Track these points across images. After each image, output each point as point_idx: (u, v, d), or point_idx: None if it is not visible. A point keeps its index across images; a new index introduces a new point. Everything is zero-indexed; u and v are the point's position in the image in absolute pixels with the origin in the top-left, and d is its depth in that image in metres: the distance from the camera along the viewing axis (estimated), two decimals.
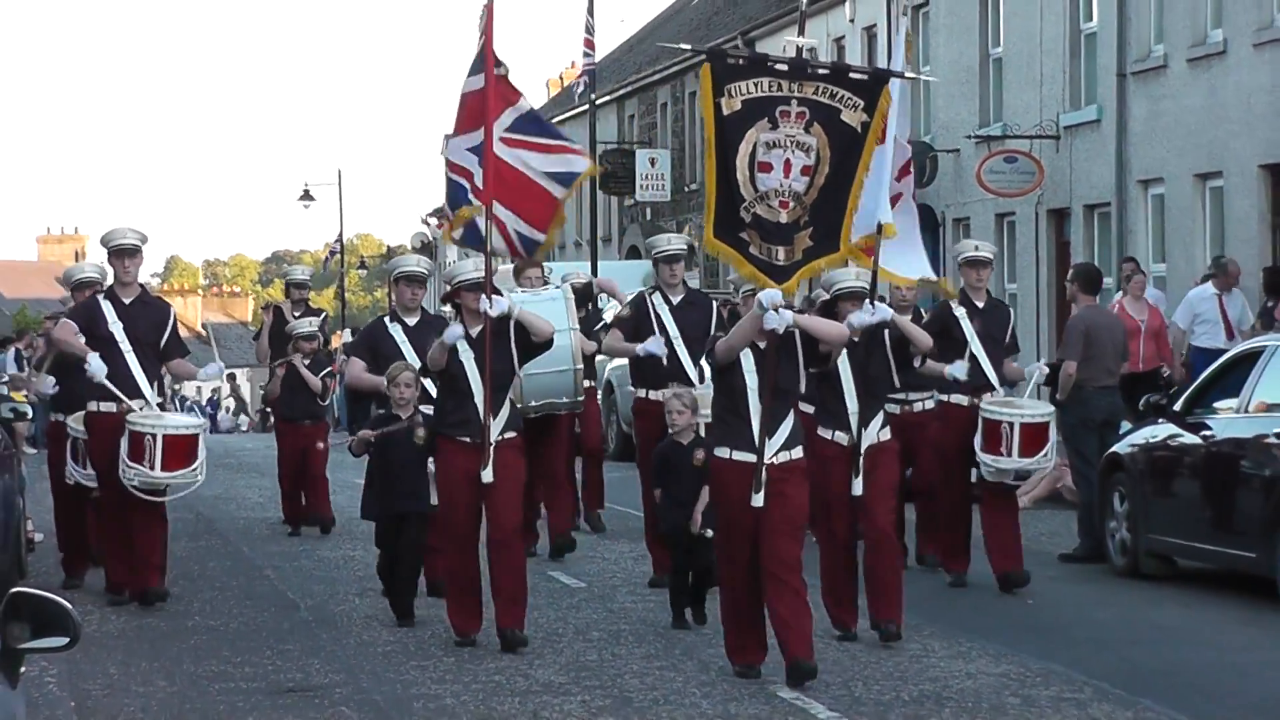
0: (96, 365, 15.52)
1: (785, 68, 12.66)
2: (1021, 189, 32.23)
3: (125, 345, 15.74)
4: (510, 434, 14.28)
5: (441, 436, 14.36)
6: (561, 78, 71.43)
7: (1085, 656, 14.16)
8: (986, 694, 12.68)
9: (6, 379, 23.74)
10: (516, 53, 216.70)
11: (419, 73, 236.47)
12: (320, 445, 21.68)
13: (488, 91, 14.11)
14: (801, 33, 13.11)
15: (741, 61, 12.89)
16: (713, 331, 16.63)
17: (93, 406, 16.08)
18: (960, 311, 17.14)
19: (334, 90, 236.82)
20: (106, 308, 15.94)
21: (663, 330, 17.10)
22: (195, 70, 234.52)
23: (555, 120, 61.49)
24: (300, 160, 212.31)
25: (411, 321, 16.11)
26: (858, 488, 14.31)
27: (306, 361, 21.24)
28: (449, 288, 14.33)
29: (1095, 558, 18.52)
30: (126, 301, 16.02)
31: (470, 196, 14.29)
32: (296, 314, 22.25)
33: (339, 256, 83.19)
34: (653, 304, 17.36)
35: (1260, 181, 28.16)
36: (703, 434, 14.69)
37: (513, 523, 14.31)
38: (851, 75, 13.01)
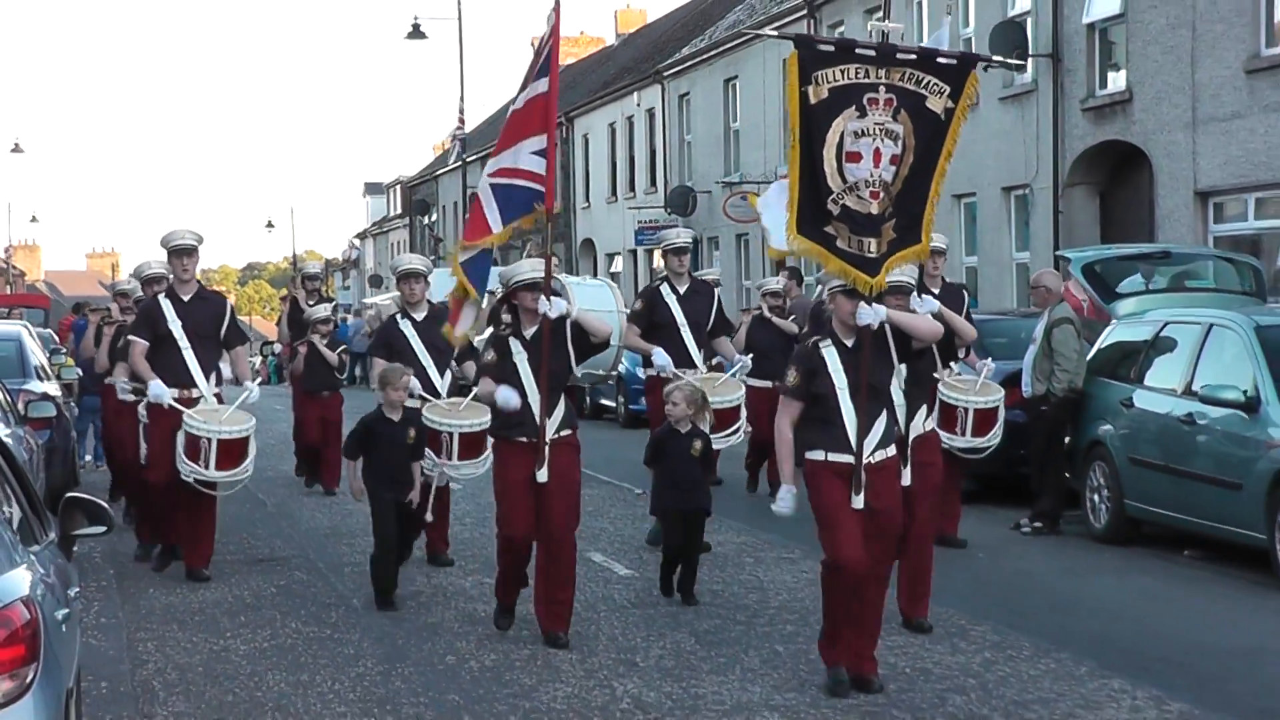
0: (157, 390, 12.59)
1: (873, 53, 9.11)
2: (750, 218, 32.44)
3: (184, 342, 12.87)
4: (565, 432, 10.53)
5: (498, 438, 10.74)
6: (444, 143, 71.08)
7: None
8: (807, 595, 11.69)
9: (64, 349, 23.09)
10: (407, 125, 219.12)
11: (346, 138, 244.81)
12: (336, 417, 18.22)
13: (551, 96, 10.61)
14: (886, 15, 9.44)
15: (830, 48, 9.14)
16: (713, 315, 14.31)
17: None
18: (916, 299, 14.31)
19: (288, 151, 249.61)
20: (166, 306, 13.02)
21: (671, 317, 14.08)
22: (194, 134, 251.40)
23: (439, 174, 60.55)
24: (264, 197, 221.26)
25: (420, 316, 13.21)
26: (906, 477, 10.44)
27: (324, 341, 18.51)
28: (504, 288, 10.79)
29: None
30: (185, 299, 13.02)
31: (535, 203, 10.63)
32: (311, 302, 19.42)
33: (295, 264, 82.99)
34: (662, 294, 14.23)
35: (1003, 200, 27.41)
36: (701, 428, 11.90)
37: (567, 524, 10.50)
38: (940, 60, 9.27)
